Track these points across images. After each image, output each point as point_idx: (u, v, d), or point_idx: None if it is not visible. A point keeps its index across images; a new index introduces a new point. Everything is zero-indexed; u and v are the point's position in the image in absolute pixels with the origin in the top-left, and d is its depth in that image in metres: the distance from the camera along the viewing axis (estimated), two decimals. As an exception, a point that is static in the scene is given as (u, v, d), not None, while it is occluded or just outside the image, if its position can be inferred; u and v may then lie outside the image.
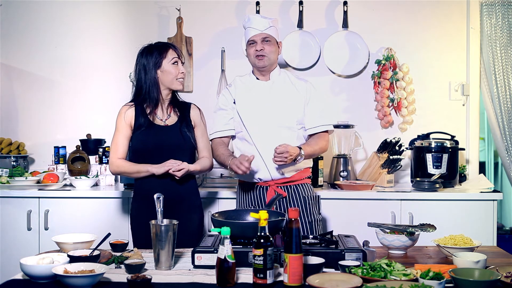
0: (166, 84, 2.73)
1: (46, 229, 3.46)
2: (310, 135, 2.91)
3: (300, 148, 2.72)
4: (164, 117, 2.75)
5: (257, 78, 2.89)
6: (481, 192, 3.52)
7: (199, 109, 2.87)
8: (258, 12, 3.94)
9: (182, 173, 2.63)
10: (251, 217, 2.23)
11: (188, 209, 2.74)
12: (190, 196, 2.76)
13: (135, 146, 2.73)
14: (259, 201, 2.83)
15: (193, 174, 2.77)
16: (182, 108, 2.81)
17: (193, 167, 2.70)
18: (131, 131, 2.72)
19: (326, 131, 2.91)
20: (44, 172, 3.72)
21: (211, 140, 2.91)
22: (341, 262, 2.00)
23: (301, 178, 2.87)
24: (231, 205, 3.37)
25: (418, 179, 3.60)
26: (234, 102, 2.88)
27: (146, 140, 2.69)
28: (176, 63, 2.72)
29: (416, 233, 2.37)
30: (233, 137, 2.94)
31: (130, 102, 2.78)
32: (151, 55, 2.71)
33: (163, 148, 2.68)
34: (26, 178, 3.55)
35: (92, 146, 3.89)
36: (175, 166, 2.61)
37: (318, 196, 2.96)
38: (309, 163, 2.94)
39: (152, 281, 1.88)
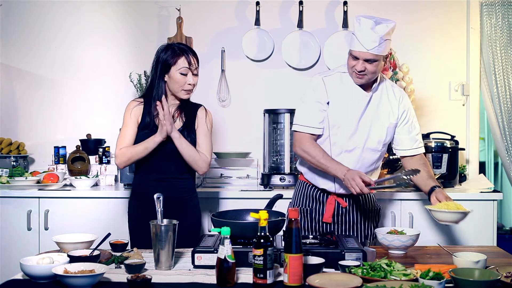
0: (172, 91, 2.67)
1: (46, 229, 3.46)
2: (403, 156, 2.71)
3: (439, 186, 2.56)
4: None
5: (357, 84, 2.61)
6: (481, 192, 3.52)
7: (206, 111, 2.80)
8: (258, 12, 3.93)
9: (168, 128, 2.57)
10: (251, 217, 2.23)
11: (186, 208, 2.73)
12: (187, 196, 2.76)
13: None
14: (316, 204, 2.72)
15: (182, 150, 2.66)
16: (190, 113, 2.74)
17: (185, 142, 2.63)
18: (137, 127, 2.70)
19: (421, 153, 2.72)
20: (44, 172, 3.72)
21: (295, 131, 2.67)
22: (341, 262, 2.00)
23: None
24: (231, 205, 3.38)
25: (418, 179, 3.60)
26: (328, 103, 2.62)
27: None
28: (184, 74, 2.63)
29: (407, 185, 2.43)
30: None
31: (140, 97, 2.76)
32: (165, 56, 2.65)
33: (162, 152, 2.65)
34: (26, 178, 3.55)
35: (92, 146, 3.89)
36: (167, 124, 2.56)
37: (379, 208, 2.80)
38: (376, 174, 2.77)
39: (152, 281, 1.88)
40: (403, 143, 2.69)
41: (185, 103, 2.74)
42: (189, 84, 2.65)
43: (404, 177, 2.44)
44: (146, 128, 2.67)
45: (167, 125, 2.58)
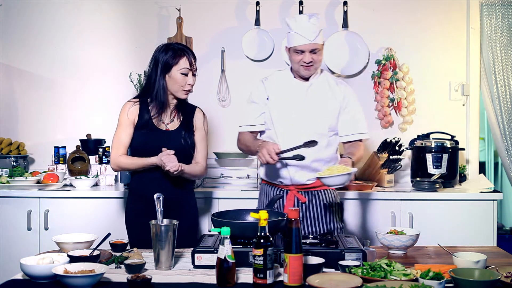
0: (171, 91, 2.68)
1: (46, 229, 3.46)
2: (345, 142, 2.78)
3: (350, 158, 2.56)
4: (167, 121, 2.72)
5: (295, 77, 2.75)
6: (481, 192, 3.52)
7: (204, 114, 2.82)
8: (258, 12, 3.93)
9: (176, 170, 2.57)
10: (251, 217, 2.23)
11: (183, 208, 2.73)
12: (185, 196, 2.75)
13: (135, 146, 2.71)
14: (277, 205, 2.74)
15: (184, 176, 2.71)
16: (187, 113, 2.76)
17: (188, 170, 2.67)
18: (133, 128, 2.70)
19: (360, 140, 2.77)
20: (44, 172, 3.72)
21: (239, 133, 2.83)
22: (341, 262, 2.00)
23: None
24: (231, 205, 3.37)
25: (418, 179, 3.60)
26: (268, 99, 2.76)
27: (146, 143, 2.67)
28: (185, 74, 2.66)
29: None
30: (262, 131, 2.82)
31: (135, 98, 2.76)
32: (165, 56, 2.65)
33: (160, 152, 2.63)
34: (26, 178, 3.55)
35: (92, 146, 3.89)
36: (172, 167, 2.56)
37: (341, 203, 2.83)
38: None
39: (152, 281, 1.88)
40: (345, 129, 2.75)
41: (182, 102, 2.76)
42: (189, 84, 2.67)
43: (302, 146, 2.53)
44: (143, 128, 2.67)
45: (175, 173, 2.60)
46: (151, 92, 2.69)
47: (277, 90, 2.77)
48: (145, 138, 2.68)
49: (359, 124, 2.77)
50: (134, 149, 2.72)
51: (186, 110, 2.77)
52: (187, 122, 2.74)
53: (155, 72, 2.68)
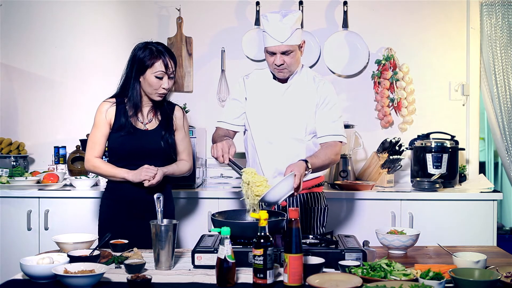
0: (146, 92, 2.62)
1: (46, 229, 3.46)
2: (321, 143, 2.62)
3: (306, 161, 2.37)
4: (145, 120, 2.67)
5: (274, 78, 2.64)
6: (481, 192, 3.52)
7: (183, 112, 2.77)
8: (258, 12, 3.93)
9: (158, 179, 2.55)
10: (251, 217, 2.23)
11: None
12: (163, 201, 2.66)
13: (113, 147, 2.66)
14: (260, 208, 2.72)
15: (169, 176, 2.68)
16: (165, 112, 2.69)
17: (171, 170, 2.64)
18: (109, 129, 2.65)
19: (340, 141, 2.62)
20: (44, 172, 3.72)
21: (216, 127, 2.73)
22: (341, 262, 2.00)
23: (307, 187, 2.65)
24: (231, 205, 3.38)
25: (418, 179, 3.60)
26: (246, 99, 2.67)
27: (124, 143, 2.62)
28: (160, 78, 2.57)
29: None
30: (238, 132, 2.74)
31: (111, 97, 2.69)
32: (141, 55, 2.58)
33: (141, 153, 2.61)
34: (26, 178, 3.55)
35: (92, 146, 3.89)
36: (150, 176, 2.53)
37: (325, 208, 2.73)
38: (320, 172, 2.69)
39: (152, 281, 1.88)
40: (321, 129, 2.62)
41: (160, 102, 2.68)
42: (164, 88, 2.59)
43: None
44: (121, 129, 2.62)
45: (155, 182, 2.56)
46: (126, 92, 2.64)
47: (255, 91, 2.67)
48: (123, 139, 2.62)
49: (336, 125, 2.62)
50: (113, 150, 2.67)
51: (164, 108, 2.70)
52: (167, 121, 2.68)
53: (130, 72, 2.62)
